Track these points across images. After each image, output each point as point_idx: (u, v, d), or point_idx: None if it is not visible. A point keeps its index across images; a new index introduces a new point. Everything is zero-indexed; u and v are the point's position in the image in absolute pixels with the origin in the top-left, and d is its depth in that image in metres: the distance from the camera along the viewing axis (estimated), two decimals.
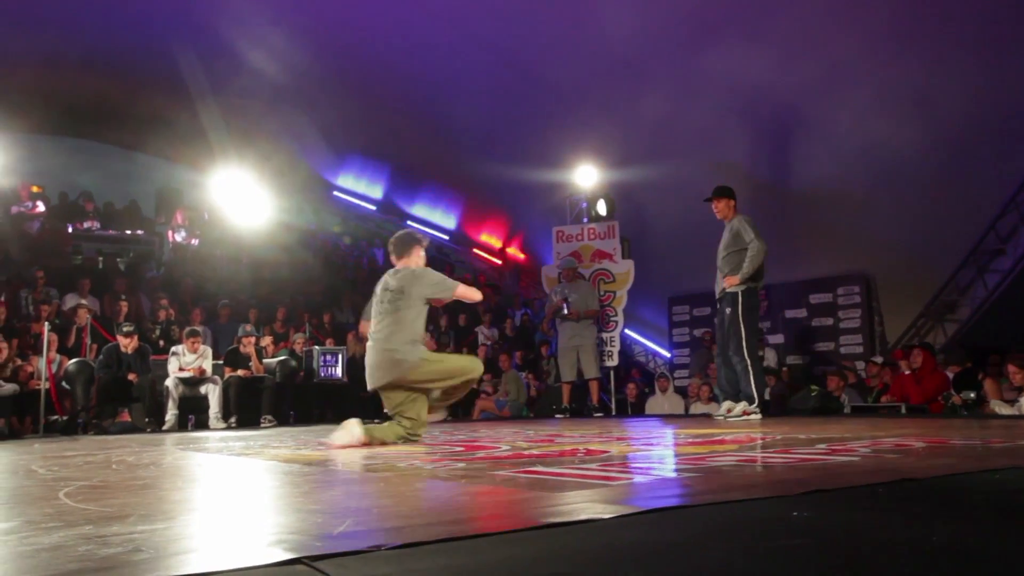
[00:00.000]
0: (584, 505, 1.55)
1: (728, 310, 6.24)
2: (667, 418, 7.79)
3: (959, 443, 3.07)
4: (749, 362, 6.11)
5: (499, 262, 15.83)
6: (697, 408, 9.13)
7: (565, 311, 8.85)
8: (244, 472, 2.83)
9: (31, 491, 2.20)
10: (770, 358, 9.86)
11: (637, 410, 9.94)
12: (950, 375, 7.12)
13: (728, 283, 6.23)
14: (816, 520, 1.33)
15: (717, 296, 6.49)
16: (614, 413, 9.84)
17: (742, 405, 6.11)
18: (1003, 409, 5.97)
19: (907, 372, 7.69)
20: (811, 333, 10.90)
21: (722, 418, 6.12)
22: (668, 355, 13.03)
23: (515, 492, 1.86)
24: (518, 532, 1.24)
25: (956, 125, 8.80)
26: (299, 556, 1.07)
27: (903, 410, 7.34)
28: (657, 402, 9.84)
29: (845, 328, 10.71)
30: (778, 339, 10.97)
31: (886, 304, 10.80)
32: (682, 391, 10.34)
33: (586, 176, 10.07)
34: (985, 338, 9.05)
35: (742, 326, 6.15)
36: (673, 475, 2.23)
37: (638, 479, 2.15)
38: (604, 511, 1.41)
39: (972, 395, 6.34)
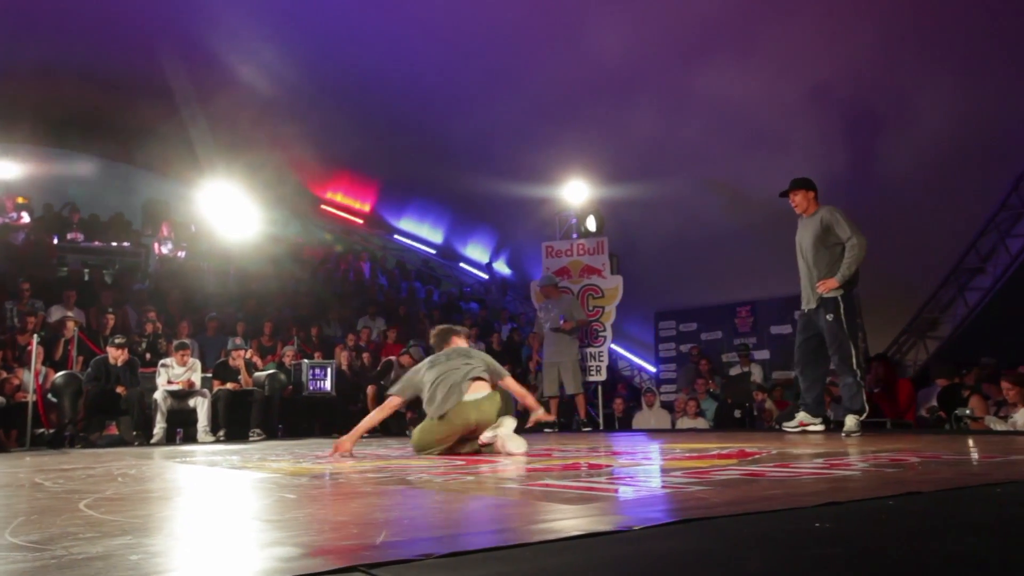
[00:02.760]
0: (610, 516, 1.60)
1: (830, 317, 5.44)
2: (654, 433, 7.84)
3: (951, 458, 3.15)
4: (859, 374, 5.41)
5: (486, 276, 15.88)
6: (684, 423, 9.20)
7: (561, 322, 8.93)
8: (256, 485, 2.85)
9: (49, 504, 2.20)
10: (756, 373, 9.97)
11: (624, 425, 9.99)
12: (937, 389, 7.23)
13: (825, 288, 5.44)
14: (839, 531, 1.38)
15: (805, 301, 5.71)
16: (601, 428, 9.89)
17: (853, 419, 5.36)
18: (998, 425, 6.06)
19: (876, 390, 7.83)
20: None
21: (793, 430, 5.67)
22: (654, 370, 13.11)
23: (536, 504, 1.90)
24: (557, 542, 1.28)
25: (938, 146, 8.99)
26: (355, 564, 1.11)
27: (888, 426, 7.45)
28: (644, 417, 9.90)
29: None
30: (764, 355, 11.08)
31: (869, 321, 10.95)
32: (668, 406, 10.41)
33: (575, 192, 10.15)
34: (965, 355, 9.21)
35: (847, 334, 5.41)
36: (685, 488, 2.28)
37: (653, 492, 2.20)
38: (632, 521, 1.46)
39: (968, 411, 6.42)
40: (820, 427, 5.69)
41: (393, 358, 9.14)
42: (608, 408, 10.45)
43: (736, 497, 1.94)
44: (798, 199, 5.87)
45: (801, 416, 5.75)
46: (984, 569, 1.08)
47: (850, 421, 5.36)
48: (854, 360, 5.41)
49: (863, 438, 4.98)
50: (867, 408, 5.44)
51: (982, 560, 1.13)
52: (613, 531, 1.35)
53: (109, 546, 1.36)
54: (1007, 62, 8.38)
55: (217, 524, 1.75)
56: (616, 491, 2.15)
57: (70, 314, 8.91)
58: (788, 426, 5.86)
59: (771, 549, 1.22)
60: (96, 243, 11.85)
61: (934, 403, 7.31)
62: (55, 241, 11.56)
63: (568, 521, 1.57)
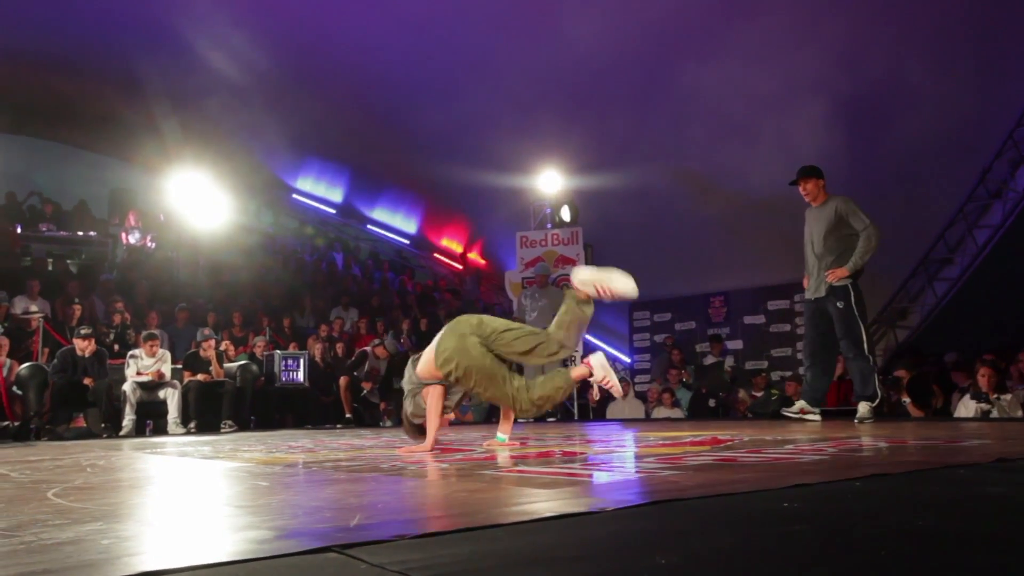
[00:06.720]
0: (583, 499, 1.61)
1: (841, 304, 5.44)
2: (628, 422, 7.90)
3: (915, 443, 3.22)
4: (872, 359, 5.47)
5: (460, 267, 15.84)
6: (659, 412, 9.27)
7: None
8: (228, 474, 2.83)
9: (16, 493, 2.17)
10: (729, 363, 10.07)
11: (598, 415, 10.05)
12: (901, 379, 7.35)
13: (835, 276, 5.48)
14: (807, 510, 1.41)
15: (812, 290, 5.74)
16: (576, 418, 9.93)
17: (867, 406, 5.35)
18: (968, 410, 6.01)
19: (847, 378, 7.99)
20: (769, 338, 11.13)
21: (793, 415, 5.67)
22: (628, 360, 13.19)
23: (510, 488, 1.91)
24: (531, 523, 1.29)
25: (908, 138, 9.12)
26: (330, 545, 1.11)
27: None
28: (618, 407, 9.95)
29: (802, 334, 10.95)
30: (737, 344, 11.18)
31: None
32: (642, 396, 10.47)
33: (550, 182, 10.16)
34: (933, 344, 9.38)
35: (859, 320, 5.43)
36: (658, 473, 2.30)
37: (625, 476, 2.22)
38: (605, 504, 1.47)
39: (984, 401, 6.08)
40: (817, 418, 5.65)
41: (367, 349, 9.09)
42: (582, 398, 10.49)
43: (708, 480, 1.97)
44: (810, 187, 5.84)
45: (802, 404, 5.71)
46: (943, 543, 1.10)
47: (863, 408, 5.35)
48: (865, 344, 5.38)
49: (828, 424, 5.06)
50: (880, 394, 5.41)
51: (941, 535, 1.16)
52: (585, 512, 1.37)
53: (79, 532, 1.34)
54: (975, 54, 8.51)
55: (189, 510, 1.73)
56: (590, 476, 2.17)
57: (34, 305, 8.75)
58: (789, 411, 5.83)
59: (741, 527, 1.24)
60: (61, 232, 11.64)
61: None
62: (19, 231, 11.33)
63: (541, 504, 1.58)
